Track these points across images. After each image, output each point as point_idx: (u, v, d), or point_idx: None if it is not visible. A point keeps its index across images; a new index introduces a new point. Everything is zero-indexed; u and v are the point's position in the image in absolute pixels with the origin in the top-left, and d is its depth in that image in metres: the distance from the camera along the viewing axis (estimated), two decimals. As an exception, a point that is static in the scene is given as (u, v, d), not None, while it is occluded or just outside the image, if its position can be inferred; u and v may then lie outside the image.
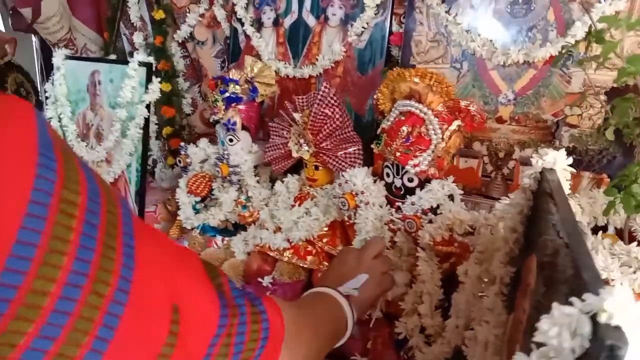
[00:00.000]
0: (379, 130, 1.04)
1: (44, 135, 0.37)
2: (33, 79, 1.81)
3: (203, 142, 1.35)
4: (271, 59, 1.46)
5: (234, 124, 1.26)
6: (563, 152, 0.65)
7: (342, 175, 1.06)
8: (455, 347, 0.82)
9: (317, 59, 1.39)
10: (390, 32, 1.28)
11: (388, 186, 1.04)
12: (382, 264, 0.90)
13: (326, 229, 1.12)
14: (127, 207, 0.45)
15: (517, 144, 1.10)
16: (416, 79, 0.94)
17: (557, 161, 0.65)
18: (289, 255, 1.12)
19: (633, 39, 0.96)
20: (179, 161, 1.32)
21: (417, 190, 0.99)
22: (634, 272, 0.72)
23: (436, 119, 0.94)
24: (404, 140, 0.96)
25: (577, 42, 0.76)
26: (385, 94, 1.02)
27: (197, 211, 1.30)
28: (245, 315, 0.54)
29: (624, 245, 0.76)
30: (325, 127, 1.10)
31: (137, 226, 0.45)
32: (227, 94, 1.25)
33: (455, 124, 0.94)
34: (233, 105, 1.26)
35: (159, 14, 1.72)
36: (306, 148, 1.14)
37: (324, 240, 1.11)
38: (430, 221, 0.93)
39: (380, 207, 1.03)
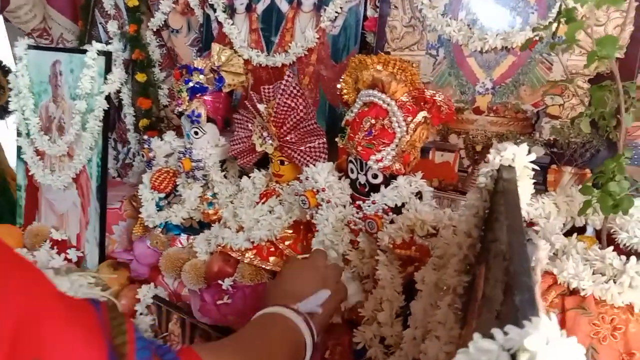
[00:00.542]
0: (343, 122, 0.96)
1: None
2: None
3: (169, 134, 1.28)
4: (243, 47, 1.39)
5: (199, 115, 1.18)
6: (524, 147, 0.58)
7: (304, 171, 0.98)
8: (414, 360, 0.75)
9: (289, 47, 1.31)
10: (365, 18, 1.20)
11: (353, 183, 0.96)
12: (335, 273, 0.83)
13: (290, 231, 1.05)
14: None
15: (495, 136, 1.02)
16: (379, 67, 0.87)
17: (516, 157, 0.58)
18: (251, 257, 1.05)
19: (619, 21, 0.88)
20: (142, 155, 1.25)
21: (382, 188, 0.91)
22: (606, 282, 0.64)
23: (400, 111, 0.86)
24: (366, 133, 0.88)
25: (550, 23, 0.67)
26: (348, 83, 0.94)
27: (160, 208, 1.23)
28: None
29: (598, 250, 0.68)
30: (289, 119, 1.03)
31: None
32: (191, 84, 1.18)
33: (421, 115, 0.86)
34: (198, 95, 1.19)
35: (133, 1, 1.65)
36: (270, 142, 1.07)
37: (286, 243, 1.04)
38: (392, 221, 0.85)
39: (344, 206, 0.95)
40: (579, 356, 0.29)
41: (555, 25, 0.66)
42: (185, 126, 1.21)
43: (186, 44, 1.64)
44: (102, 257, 1.33)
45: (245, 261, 1.05)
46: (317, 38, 1.26)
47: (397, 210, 0.88)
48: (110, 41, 1.78)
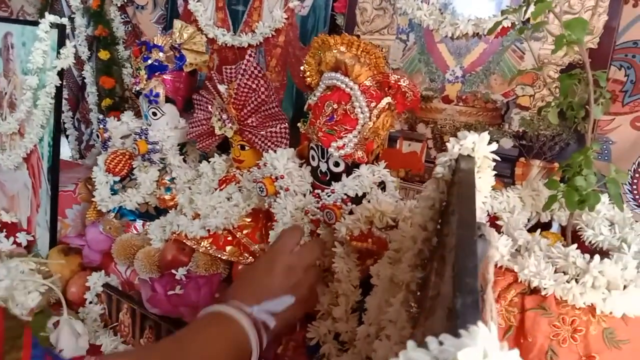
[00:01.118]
0: (305, 107, 0.91)
1: None
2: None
3: (126, 115, 1.22)
4: (209, 25, 1.32)
5: (157, 95, 1.12)
6: (485, 136, 0.53)
7: (263, 157, 0.93)
8: (367, 358, 0.71)
9: (256, 26, 1.25)
10: (335, -2, 1.15)
11: (314, 171, 0.91)
12: (311, 279, 0.78)
13: (248, 219, 1.00)
14: None
15: (463, 126, 0.98)
16: (342, 48, 0.82)
17: (477, 147, 0.53)
18: (207, 246, 1.00)
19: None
20: (97, 136, 1.18)
21: (344, 176, 0.87)
22: (568, 281, 0.60)
23: (363, 95, 0.81)
24: (327, 118, 0.83)
25: (520, 6, 0.63)
26: (311, 65, 0.89)
27: (114, 192, 1.17)
28: None
29: (562, 248, 0.64)
30: (250, 101, 0.97)
31: None
32: (149, 62, 1.12)
33: (385, 101, 0.81)
34: (156, 74, 1.12)
35: (96, -26, 1.57)
36: (230, 125, 1.01)
37: (244, 231, 0.99)
38: (351, 212, 0.81)
39: (304, 195, 0.91)
40: (518, 374, 0.25)
41: (525, 8, 0.62)
42: (143, 106, 1.15)
43: (152, 20, 1.57)
44: (54, 241, 1.26)
45: (201, 250, 0.99)
46: (286, 18, 1.21)
47: (358, 200, 0.84)
48: (72, 16, 1.70)
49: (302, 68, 0.91)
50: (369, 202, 0.81)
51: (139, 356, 0.58)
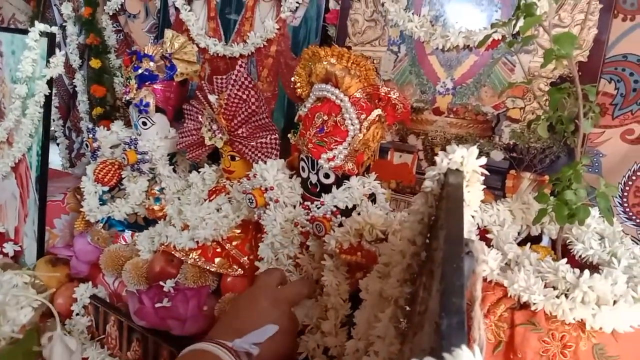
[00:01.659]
0: (296, 118, 0.91)
1: None
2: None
3: (116, 124, 1.21)
4: (200, 35, 1.32)
5: (147, 105, 1.11)
6: (474, 150, 0.53)
7: (253, 168, 0.93)
8: (356, 374, 0.70)
9: (248, 37, 1.25)
10: (327, 10, 1.15)
11: (304, 182, 0.91)
12: (288, 300, 0.77)
13: (238, 230, 0.99)
14: None
15: (454, 138, 0.98)
16: (332, 60, 0.81)
17: (465, 161, 0.53)
18: (195, 257, 0.99)
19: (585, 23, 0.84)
20: (86, 145, 1.17)
21: (334, 188, 0.86)
22: (558, 296, 0.60)
23: (353, 107, 0.81)
24: (318, 130, 0.83)
25: (509, 19, 0.63)
26: (302, 77, 0.89)
27: (103, 202, 1.16)
28: None
29: (551, 262, 0.64)
30: (240, 112, 0.97)
31: None
32: (140, 71, 1.11)
33: (375, 113, 0.81)
34: (147, 84, 1.12)
35: (88, -17, 1.56)
36: (220, 135, 1.00)
37: (233, 243, 0.98)
38: (341, 224, 0.80)
39: (294, 206, 0.90)
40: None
41: (514, 21, 0.62)
42: (133, 116, 1.14)
43: (143, 29, 1.56)
44: (41, 252, 1.24)
45: (189, 262, 0.98)
46: (277, 29, 1.21)
47: (348, 212, 0.83)
48: (64, 24, 1.69)
49: (292, 79, 0.91)
50: (359, 214, 0.80)
51: None
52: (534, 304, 0.61)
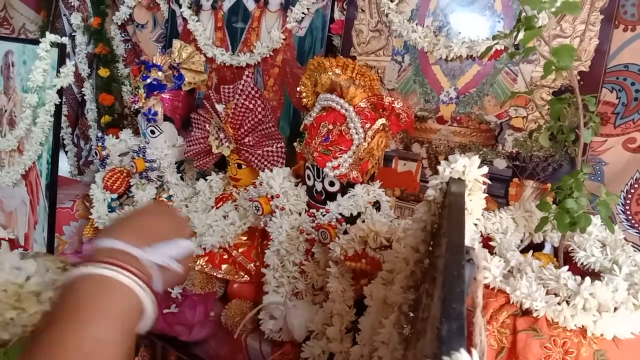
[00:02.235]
0: (301, 127, 0.92)
1: None
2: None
3: (125, 132, 1.23)
4: (207, 45, 1.34)
5: (155, 114, 1.13)
6: (476, 159, 0.54)
7: (259, 176, 0.94)
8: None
9: (254, 46, 1.27)
10: (332, 20, 1.17)
11: (309, 190, 0.92)
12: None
13: (244, 237, 1.01)
14: None
15: (458, 147, 0.99)
16: (337, 70, 0.83)
17: (467, 170, 0.54)
18: (202, 264, 1.00)
19: (586, 34, 0.86)
20: (95, 153, 1.19)
21: (339, 196, 0.87)
22: (560, 303, 0.61)
23: (358, 117, 0.82)
24: (323, 139, 0.85)
25: (511, 31, 0.65)
26: (307, 86, 0.91)
27: (112, 209, 1.17)
28: None
29: (553, 269, 0.65)
30: (247, 121, 0.98)
31: None
32: (148, 81, 1.13)
33: (379, 122, 0.83)
34: (155, 93, 1.14)
35: (97, -7, 1.59)
36: (227, 144, 1.02)
37: (240, 250, 0.99)
38: (346, 232, 0.81)
39: (300, 214, 0.91)
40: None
41: (515, 33, 0.63)
42: (142, 124, 1.16)
43: (151, 39, 1.58)
44: (50, 258, 1.26)
45: (197, 268, 1.00)
46: (283, 39, 1.22)
47: (352, 220, 0.84)
48: (73, 34, 1.72)
49: (298, 89, 0.93)
50: (363, 222, 0.82)
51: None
52: (536, 310, 0.62)
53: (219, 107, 1.02)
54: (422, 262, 0.58)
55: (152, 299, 0.48)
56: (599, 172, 0.91)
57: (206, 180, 1.13)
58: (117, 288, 0.45)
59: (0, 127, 1.31)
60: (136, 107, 1.14)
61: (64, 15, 1.78)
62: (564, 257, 0.74)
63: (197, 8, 1.38)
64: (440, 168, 0.54)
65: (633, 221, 0.89)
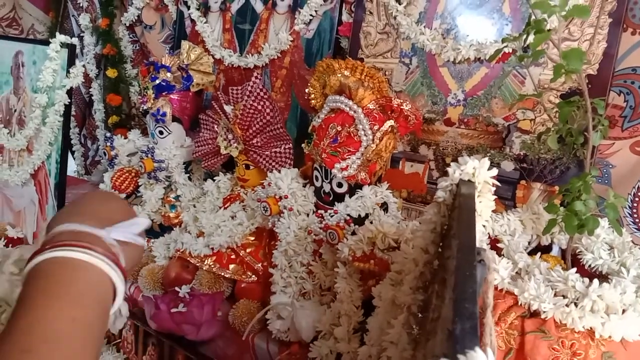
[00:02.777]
0: (310, 128, 0.93)
1: None
2: None
3: (133, 133, 1.24)
4: (216, 46, 1.35)
5: (164, 114, 1.14)
6: (485, 161, 0.55)
7: (268, 177, 0.95)
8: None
9: (262, 48, 1.27)
10: (340, 22, 1.18)
11: (317, 191, 0.93)
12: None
13: (252, 238, 1.01)
14: None
15: (465, 149, 1.00)
16: (346, 72, 0.84)
17: (477, 172, 0.55)
18: (210, 264, 1.01)
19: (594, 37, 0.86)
20: (104, 153, 1.20)
21: (347, 197, 0.88)
22: (568, 305, 0.61)
23: (367, 118, 0.83)
24: (331, 140, 0.85)
25: (520, 34, 0.65)
26: (316, 88, 0.91)
27: (120, 209, 1.18)
28: None
29: (561, 271, 0.65)
30: (255, 122, 0.99)
31: None
32: (157, 82, 1.14)
33: (388, 124, 0.83)
34: (164, 94, 1.15)
35: (105, -5, 1.61)
36: (235, 145, 1.03)
37: (248, 250, 1.00)
38: (354, 232, 0.82)
39: (308, 215, 0.92)
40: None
41: (525, 36, 0.64)
42: (150, 125, 1.17)
43: (159, 40, 1.60)
44: (59, 257, 1.27)
45: (204, 268, 1.00)
46: (291, 41, 1.23)
47: (360, 221, 0.85)
48: (82, 34, 1.73)
49: (307, 90, 0.93)
50: (371, 223, 0.82)
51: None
52: (544, 312, 0.62)
53: (228, 108, 1.03)
54: (431, 264, 0.58)
55: (122, 278, 0.46)
56: (606, 175, 0.92)
57: (214, 180, 1.14)
58: (87, 269, 0.44)
59: (9, 127, 1.32)
60: (145, 107, 1.15)
61: (73, 16, 1.79)
62: (572, 260, 0.75)
63: (205, 9, 1.39)
64: (450, 170, 0.55)
65: (640, 224, 0.90)
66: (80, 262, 0.44)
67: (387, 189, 0.88)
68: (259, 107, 0.99)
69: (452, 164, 0.55)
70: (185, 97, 1.17)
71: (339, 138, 0.85)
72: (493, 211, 0.60)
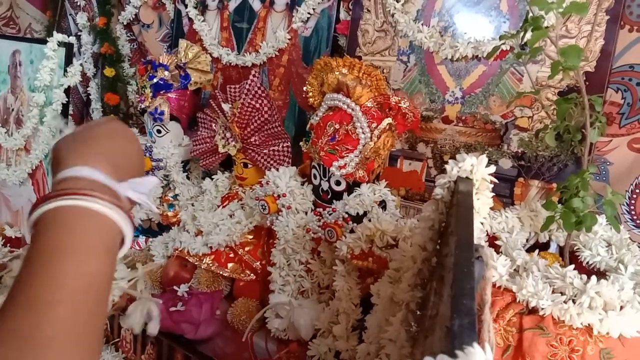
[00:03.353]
0: (308, 126, 0.93)
1: None
2: None
3: (131, 132, 1.23)
4: (213, 45, 1.35)
5: (162, 113, 1.14)
6: (483, 158, 0.55)
7: (266, 175, 0.95)
8: (368, 377, 0.72)
9: (260, 46, 1.27)
10: (338, 20, 1.17)
11: (315, 189, 0.93)
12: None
13: (250, 236, 1.01)
14: None
15: (463, 146, 1.00)
16: (344, 70, 0.84)
17: (475, 169, 0.55)
18: (209, 262, 1.01)
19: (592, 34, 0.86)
20: (102, 153, 1.19)
21: (345, 195, 0.88)
22: (566, 302, 0.61)
23: (364, 116, 0.83)
24: (329, 138, 0.85)
25: (517, 31, 0.65)
26: (314, 86, 0.91)
27: (118, 208, 1.18)
28: None
29: (559, 268, 0.65)
30: (253, 120, 0.99)
31: None
32: (155, 80, 1.14)
33: (386, 122, 0.83)
34: (161, 92, 1.15)
35: (102, -7, 1.60)
36: (233, 143, 1.03)
37: (246, 248, 1.00)
38: (352, 230, 0.82)
39: (306, 213, 0.92)
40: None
41: (522, 33, 0.64)
42: (148, 124, 1.17)
43: (157, 39, 1.59)
44: (57, 257, 1.27)
45: (203, 267, 1.00)
46: (289, 39, 1.23)
47: (359, 219, 0.85)
48: (79, 33, 1.73)
49: (305, 89, 0.93)
50: (369, 220, 0.82)
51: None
52: (542, 309, 0.62)
53: (225, 107, 1.03)
54: (430, 261, 0.58)
55: (131, 227, 0.45)
56: (604, 172, 0.92)
57: (212, 179, 1.14)
58: (99, 219, 0.43)
59: (7, 126, 1.32)
60: (143, 106, 1.15)
61: (70, 15, 1.78)
62: (570, 257, 0.75)
63: (202, 8, 1.39)
64: (448, 167, 0.55)
65: (638, 221, 0.90)
66: (92, 211, 0.42)
67: (385, 187, 0.88)
68: (257, 106, 0.99)
69: (450, 161, 0.55)
70: (183, 95, 1.17)
71: (337, 136, 0.85)
72: (491, 208, 0.60)
